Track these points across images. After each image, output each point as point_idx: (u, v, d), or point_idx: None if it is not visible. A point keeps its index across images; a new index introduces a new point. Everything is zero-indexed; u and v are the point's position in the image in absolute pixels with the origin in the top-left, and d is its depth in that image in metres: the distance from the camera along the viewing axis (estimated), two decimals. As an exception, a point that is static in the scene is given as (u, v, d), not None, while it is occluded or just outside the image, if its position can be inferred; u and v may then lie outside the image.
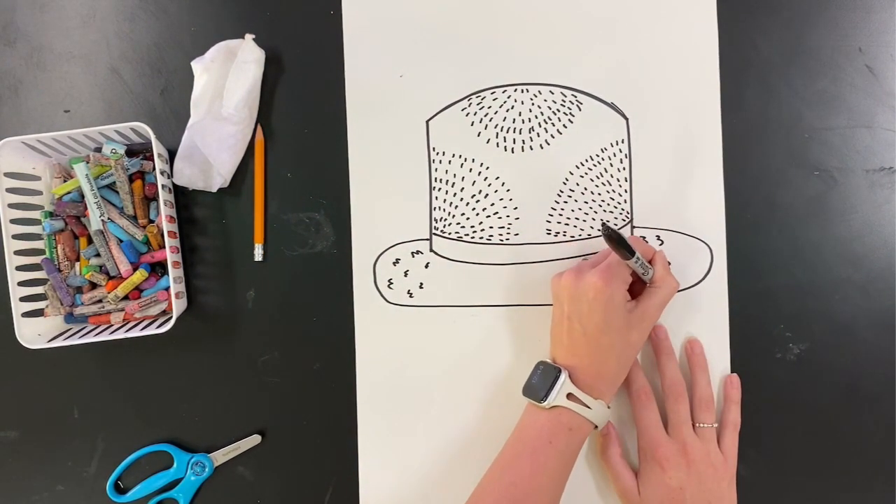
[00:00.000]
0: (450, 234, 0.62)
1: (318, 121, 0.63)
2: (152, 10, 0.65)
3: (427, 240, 0.63)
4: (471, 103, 0.63)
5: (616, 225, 0.61)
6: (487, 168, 0.62)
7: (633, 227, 0.62)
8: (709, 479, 0.56)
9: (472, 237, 0.62)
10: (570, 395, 0.53)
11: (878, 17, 0.62)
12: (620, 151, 0.62)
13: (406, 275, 0.63)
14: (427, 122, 0.63)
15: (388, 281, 0.63)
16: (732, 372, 0.61)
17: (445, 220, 0.63)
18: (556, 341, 0.57)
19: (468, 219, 0.62)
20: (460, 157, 0.62)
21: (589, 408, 0.53)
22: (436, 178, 0.63)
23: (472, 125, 0.63)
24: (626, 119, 0.62)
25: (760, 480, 0.61)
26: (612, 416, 0.61)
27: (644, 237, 0.61)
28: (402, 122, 0.63)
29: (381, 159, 0.63)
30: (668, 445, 0.56)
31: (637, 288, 0.58)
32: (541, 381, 0.54)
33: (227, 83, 0.61)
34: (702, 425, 0.58)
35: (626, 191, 0.62)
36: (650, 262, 0.57)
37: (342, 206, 0.63)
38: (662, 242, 0.62)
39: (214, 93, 0.61)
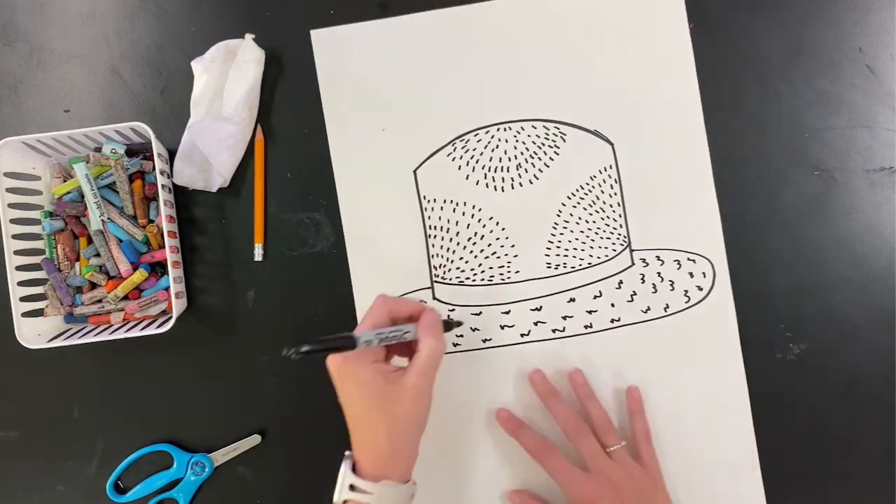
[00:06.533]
0: (451, 279, 0.62)
1: (318, 121, 0.63)
2: (152, 10, 0.65)
3: (429, 288, 0.63)
4: (455, 147, 0.62)
5: (615, 249, 0.61)
6: (480, 210, 0.62)
7: (631, 251, 0.62)
8: (642, 498, 0.55)
9: (474, 280, 0.62)
10: (353, 487, 0.49)
11: (878, 17, 0.62)
12: (610, 177, 0.62)
13: None
14: (415, 171, 0.63)
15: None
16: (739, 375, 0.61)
17: (445, 266, 0.62)
18: (350, 431, 0.52)
19: (467, 262, 0.62)
20: (452, 202, 0.62)
21: (370, 493, 0.48)
22: (430, 226, 0.62)
23: (459, 169, 0.62)
24: (612, 144, 0.62)
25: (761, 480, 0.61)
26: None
27: (645, 259, 0.62)
28: (390, 175, 0.63)
29: (373, 214, 0.63)
30: (592, 483, 0.55)
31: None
32: (338, 479, 0.50)
33: (227, 83, 0.61)
34: (612, 448, 0.57)
35: (620, 215, 0.62)
36: (415, 319, 0.52)
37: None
38: (663, 262, 0.61)
39: (214, 93, 0.61)
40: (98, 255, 0.61)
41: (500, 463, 0.61)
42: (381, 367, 0.51)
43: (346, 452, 0.52)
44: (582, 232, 0.62)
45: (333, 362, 0.49)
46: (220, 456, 0.62)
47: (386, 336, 0.50)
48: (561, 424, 0.58)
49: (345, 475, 0.50)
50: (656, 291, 0.61)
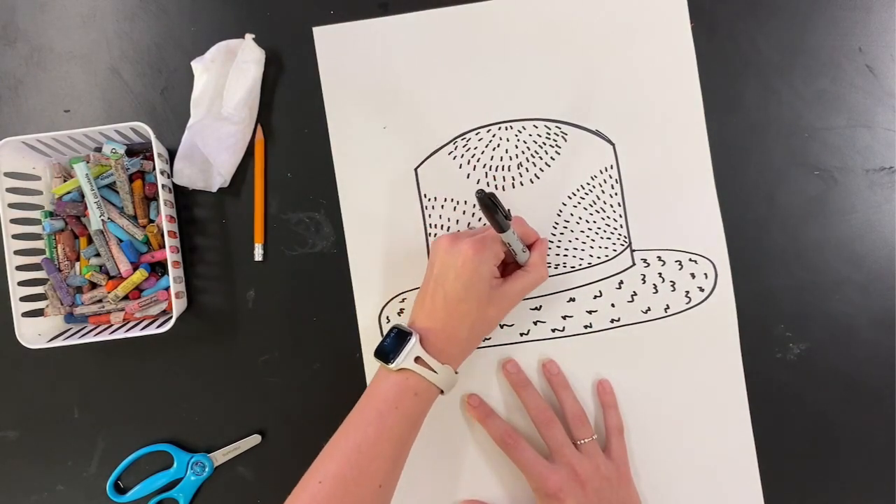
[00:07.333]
0: None
1: (318, 121, 0.63)
2: (152, 10, 0.65)
3: None
4: (456, 146, 0.62)
5: (615, 249, 0.61)
6: None
7: (632, 251, 0.62)
8: (607, 493, 0.55)
9: None
10: (418, 359, 0.52)
11: (878, 17, 0.62)
12: (611, 177, 0.62)
13: None
14: (415, 169, 0.63)
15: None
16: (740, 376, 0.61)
17: None
18: (419, 302, 0.56)
19: None
20: (452, 200, 0.62)
21: (435, 372, 0.52)
22: (430, 225, 0.62)
23: (460, 167, 0.62)
24: (613, 144, 0.62)
25: (761, 480, 0.61)
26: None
27: (646, 260, 0.61)
28: (391, 174, 0.63)
29: (374, 213, 0.63)
30: (557, 475, 0.55)
31: (511, 269, 0.58)
32: (392, 344, 0.52)
33: (227, 83, 0.61)
34: (582, 441, 0.57)
35: (620, 215, 0.62)
36: (530, 247, 0.58)
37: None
38: (664, 263, 0.61)
39: (214, 93, 0.61)
40: (98, 255, 0.61)
41: (497, 462, 0.61)
42: (496, 270, 0.56)
43: (400, 324, 0.54)
44: (582, 231, 0.62)
45: (472, 245, 0.53)
46: (220, 456, 0.62)
47: (515, 244, 0.55)
48: (531, 414, 0.59)
49: (413, 346, 0.52)
50: (657, 292, 0.61)
